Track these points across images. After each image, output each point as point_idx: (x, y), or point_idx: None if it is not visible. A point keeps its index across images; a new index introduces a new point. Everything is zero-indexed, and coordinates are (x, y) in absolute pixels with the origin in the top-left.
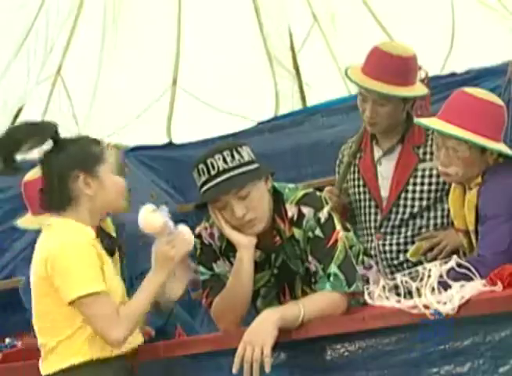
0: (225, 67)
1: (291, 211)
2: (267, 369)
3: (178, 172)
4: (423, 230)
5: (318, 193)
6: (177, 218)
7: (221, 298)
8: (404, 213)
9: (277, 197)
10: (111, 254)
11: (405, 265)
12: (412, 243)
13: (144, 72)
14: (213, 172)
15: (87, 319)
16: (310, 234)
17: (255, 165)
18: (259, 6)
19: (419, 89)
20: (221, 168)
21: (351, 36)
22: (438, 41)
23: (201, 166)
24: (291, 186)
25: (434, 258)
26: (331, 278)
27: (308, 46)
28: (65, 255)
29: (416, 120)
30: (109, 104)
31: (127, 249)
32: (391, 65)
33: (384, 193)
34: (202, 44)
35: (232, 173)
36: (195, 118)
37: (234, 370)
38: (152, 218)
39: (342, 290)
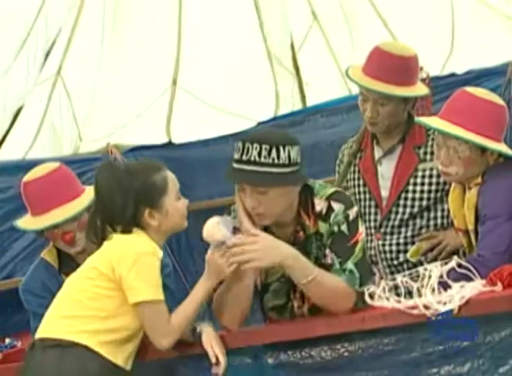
0: (225, 67)
1: (320, 205)
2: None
3: (178, 172)
4: (424, 230)
5: (347, 193)
6: None
7: (220, 293)
8: (404, 213)
9: (306, 192)
10: None
11: (405, 266)
12: (412, 243)
13: (144, 71)
14: (244, 157)
15: (145, 322)
16: (335, 228)
17: (289, 169)
18: (260, 5)
19: (420, 89)
20: (251, 159)
21: (352, 35)
22: (439, 42)
23: (240, 145)
24: (321, 182)
25: (435, 259)
26: (346, 272)
27: (308, 45)
28: (142, 260)
29: (416, 119)
30: (109, 104)
31: None
32: (392, 65)
33: (384, 193)
34: (202, 43)
35: (258, 168)
36: (194, 118)
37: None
38: (214, 230)
39: (354, 287)
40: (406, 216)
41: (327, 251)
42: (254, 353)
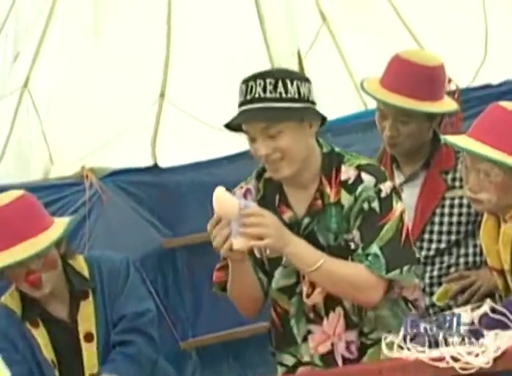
0: (220, 78)
1: (347, 173)
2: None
3: (165, 201)
4: (452, 270)
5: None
6: (162, 256)
7: (229, 282)
8: (429, 249)
9: (332, 158)
10: (84, 297)
11: (430, 311)
12: (439, 284)
13: (126, 83)
14: (248, 97)
15: None
16: (365, 205)
17: (300, 104)
18: (262, 8)
19: (447, 104)
20: (256, 95)
21: (369, 40)
22: (470, 48)
23: (243, 86)
24: (354, 153)
25: (465, 303)
26: (370, 257)
27: (316, 51)
28: None
29: (442, 137)
30: (85, 121)
31: (107, 290)
32: (414, 76)
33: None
34: (194, 50)
35: (264, 104)
36: (185, 137)
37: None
38: (225, 199)
39: (378, 272)
40: (432, 253)
41: (354, 232)
42: None
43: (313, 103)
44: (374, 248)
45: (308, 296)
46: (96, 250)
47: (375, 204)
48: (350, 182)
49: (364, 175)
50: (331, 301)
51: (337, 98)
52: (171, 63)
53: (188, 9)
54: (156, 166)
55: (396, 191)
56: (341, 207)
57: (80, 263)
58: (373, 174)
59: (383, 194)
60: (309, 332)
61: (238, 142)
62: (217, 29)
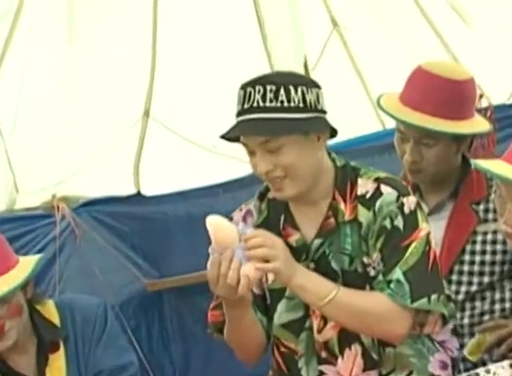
0: (212, 94)
1: (365, 187)
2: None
3: (150, 235)
4: (486, 317)
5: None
6: (146, 300)
7: (227, 329)
8: (458, 293)
9: (346, 172)
10: (54, 348)
11: (461, 366)
12: (471, 335)
13: (105, 100)
14: (246, 105)
15: None
16: (387, 222)
17: (305, 114)
18: (262, 11)
19: (478, 124)
20: (254, 104)
21: (391, 52)
22: (505, 61)
23: (241, 92)
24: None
25: (503, 357)
26: (392, 285)
27: (326, 62)
28: None
29: (472, 162)
30: (57, 142)
31: (81, 341)
32: (439, 91)
33: None
34: (183, 63)
35: (264, 115)
36: (172, 161)
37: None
38: (223, 227)
39: (403, 302)
40: (461, 297)
41: (374, 256)
42: None
43: (322, 111)
44: (397, 274)
45: (320, 331)
46: (69, 293)
47: (398, 221)
48: (368, 196)
49: (384, 188)
50: (347, 337)
51: (350, 116)
52: (157, 76)
53: (175, 17)
54: (139, 194)
55: (421, 208)
56: (358, 226)
57: (49, 309)
58: (394, 186)
59: (406, 210)
60: (321, 374)
61: (234, 166)
62: (210, 37)
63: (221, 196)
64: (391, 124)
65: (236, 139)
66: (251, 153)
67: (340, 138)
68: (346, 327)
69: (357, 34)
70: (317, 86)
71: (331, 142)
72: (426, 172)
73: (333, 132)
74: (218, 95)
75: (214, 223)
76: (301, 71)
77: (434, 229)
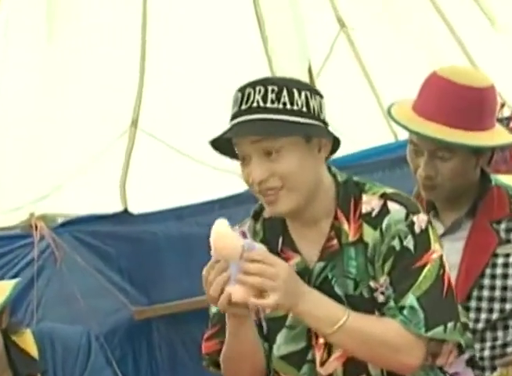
0: (205, 103)
1: (370, 204)
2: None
3: (138, 258)
4: (509, 350)
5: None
6: (134, 329)
7: (225, 350)
8: (478, 321)
9: (349, 188)
10: None
11: None
12: (493, 369)
13: (89, 108)
14: (244, 106)
15: None
16: (395, 243)
17: (308, 120)
18: (261, 12)
19: (499, 135)
20: (254, 104)
21: (403, 56)
22: None
23: (238, 94)
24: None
25: None
26: (405, 311)
27: (332, 66)
28: None
29: (493, 177)
30: (35, 155)
31: (62, 374)
32: (456, 99)
33: None
34: (173, 70)
35: (263, 115)
36: (163, 175)
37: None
38: (227, 235)
39: (417, 330)
40: (481, 325)
41: (382, 280)
42: None
43: (325, 122)
44: (410, 299)
45: (323, 364)
46: (48, 322)
47: (408, 242)
48: (374, 214)
49: (391, 205)
50: (353, 369)
51: (358, 126)
52: (147, 82)
53: (166, 17)
54: (126, 212)
55: (433, 227)
56: (364, 247)
57: (27, 340)
58: (402, 203)
59: (417, 229)
60: None
61: (231, 181)
62: (204, 39)
63: (217, 213)
64: (404, 135)
65: (228, 152)
66: (245, 160)
67: (346, 150)
68: (355, 356)
69: (366, 36)
70: (320, 95)
71: (336, 154)
72: (441, 188)
73: (335, 147)
74: (214, 104)
75: (217, 230)
76: (305, 77)
77: (450, 251)
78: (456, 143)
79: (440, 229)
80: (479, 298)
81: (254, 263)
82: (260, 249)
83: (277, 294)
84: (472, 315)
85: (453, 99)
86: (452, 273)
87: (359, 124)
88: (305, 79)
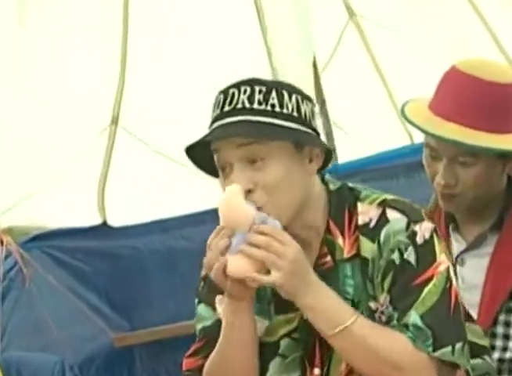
0: (193, 101)
1: (367, 214)
2: None
3: (118, 276)
4: None
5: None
6: (113, 358)
7: (210, 363)
8: (506, 349)
9: (342, 196)
10: None
11: None
12: None
13: (64, 104)
14: (227, 108)
15: None
16: (395, 256)
17: (299, 126)
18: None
19: None
20: (239, 105)
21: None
22: None
23: (220, 96)
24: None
25: None
26: (411, 328)
27: (340, 59)
28: None
29: None
30: (2, 158)
31: None
32: (479, 97)
33: (472, 312)
34: (157, 64)
35: (249, 117)
36: (146, 182)
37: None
38: (239, 205)
39: (425, 348)
40: (509, 355)
41: (382, 299)
42: None
43: (317, 132)
44: (413, 317)
45: None
46: (15, 351)
47: (409, 254)
48: (372, 225)
49: (390, 213)
50: None
51: (368, 127)
52: (128, 76)
53: (149, 8)
54: (105, 225)
55: (438, 236)
56: (362, 263)
57: None
58: (403, 211)
59: (419, 240)
60: None
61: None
62: (191, 32)
63: (207, 225)
64: (420, 137)
65: (204, 164)
66: (225, 170)
67: (355, 154)
68: (355, 369)
69: (378, 26)
70: (312, 102)
71: (343, 160)
72: (462, 198)
73: (327, 160)
74: (202, 102)
75: (227, 198)
76: (310, 71)
77: (473, 268)
78: (479, 147)
79: (461, 245)
80: (507, 324)
81: (262, 236)
82: (273, 224)
83: (280, 274)
84: (499, 343)
85: (475, 97)
86: (474, 296)
87: (370, 123)
88: (310, 74)
